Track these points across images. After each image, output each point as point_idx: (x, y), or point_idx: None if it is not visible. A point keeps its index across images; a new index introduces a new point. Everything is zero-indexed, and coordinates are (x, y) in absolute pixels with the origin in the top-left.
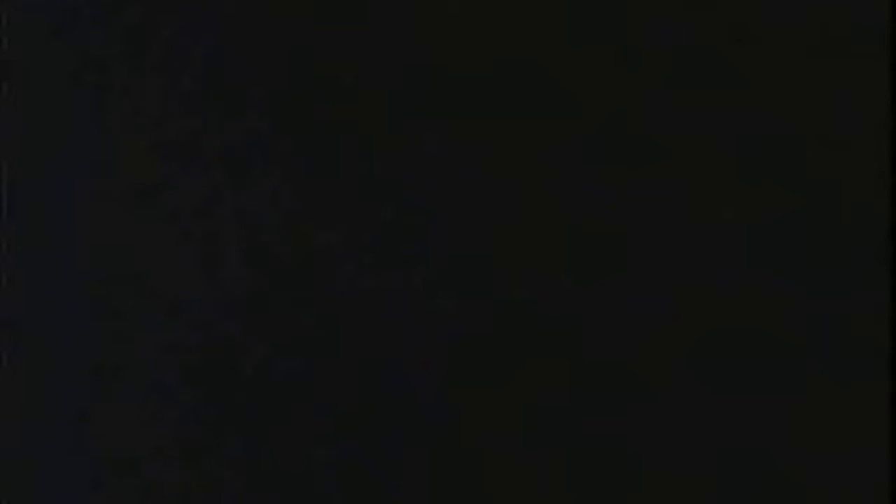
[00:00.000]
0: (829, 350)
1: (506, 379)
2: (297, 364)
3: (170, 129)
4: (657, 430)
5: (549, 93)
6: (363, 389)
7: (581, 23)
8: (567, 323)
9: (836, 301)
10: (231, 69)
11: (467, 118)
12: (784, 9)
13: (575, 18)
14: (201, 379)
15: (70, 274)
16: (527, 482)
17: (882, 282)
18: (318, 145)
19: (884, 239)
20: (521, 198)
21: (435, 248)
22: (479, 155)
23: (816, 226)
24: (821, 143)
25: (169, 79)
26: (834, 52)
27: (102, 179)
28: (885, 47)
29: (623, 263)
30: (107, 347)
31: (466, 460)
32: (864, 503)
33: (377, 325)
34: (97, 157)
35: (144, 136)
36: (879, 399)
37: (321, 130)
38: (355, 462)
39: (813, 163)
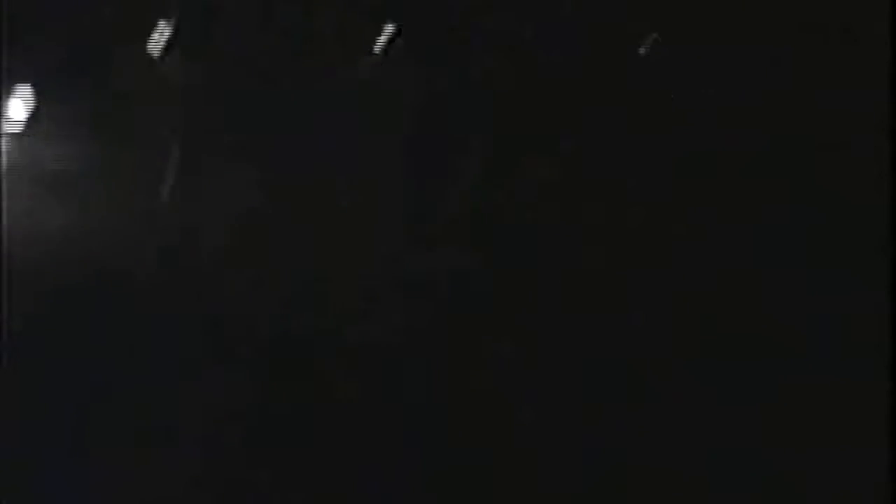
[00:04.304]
0: (829, 350)
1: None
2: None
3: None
4: (657, 430)
5: (548, 94)
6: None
7: (583, 27)
8: (567, 322)
9: (836, 301)
10: None
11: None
12: (785, 10)
13: (575, 22)
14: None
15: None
16: (529, 481)
17: (882, 282)
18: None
19: (884, 239)
20: (520, 199)
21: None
22: (475, 159)
23: (817, 226)
24: (821, 144)
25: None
26: (835, 52)
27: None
28: (885, 48)
29: (624, 264)
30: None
31: (472, 460)
32: (864, 503)
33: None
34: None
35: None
36: (879, 399)
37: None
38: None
39: (814, 163)
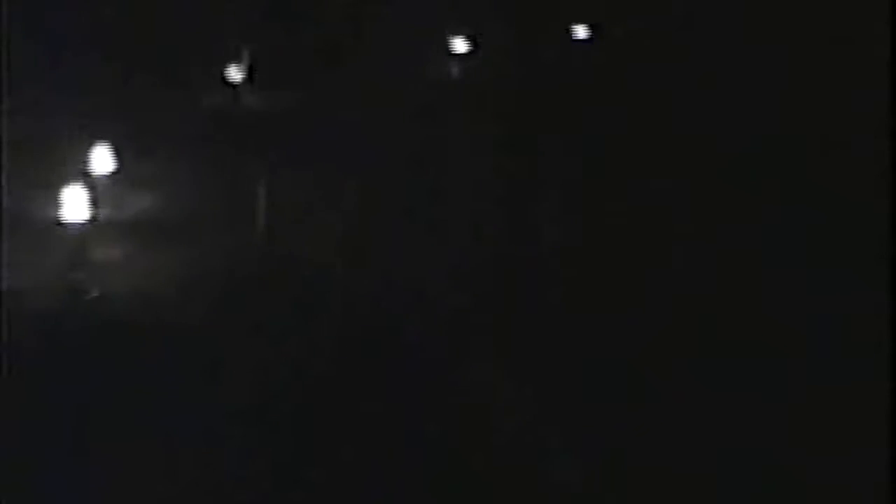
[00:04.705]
0: (830, 350)
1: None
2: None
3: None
4: (658, 430)
5: (549, 95)
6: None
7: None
8: (568, 323)
9: (836, 301)
10: None
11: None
12: (785, 10)
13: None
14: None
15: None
16: (530, 479)
17: (882, 282)
18: None
19: (884, 239)
20: (523, 199)
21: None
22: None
23: (817, 226)
24: (821, 143)
25: None
26: (835, 52)
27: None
28: (885, 48)
29: (624, 264)
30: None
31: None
32: (864, 503)
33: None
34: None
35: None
36: (879, 399)
37: None
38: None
39: (814, 163)
